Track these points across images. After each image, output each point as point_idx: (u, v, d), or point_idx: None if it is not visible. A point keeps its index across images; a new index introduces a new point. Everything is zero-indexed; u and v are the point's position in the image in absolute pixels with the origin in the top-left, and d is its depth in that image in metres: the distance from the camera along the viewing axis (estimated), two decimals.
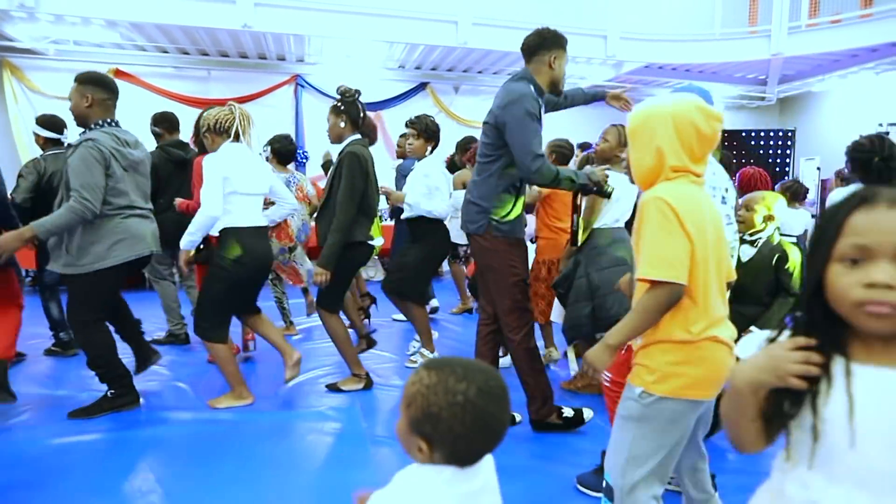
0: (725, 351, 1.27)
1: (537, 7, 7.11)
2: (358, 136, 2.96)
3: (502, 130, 2.28)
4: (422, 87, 8.57)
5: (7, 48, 6.79)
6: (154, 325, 4.12)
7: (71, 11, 5.80)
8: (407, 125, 3.47)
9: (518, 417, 2.61)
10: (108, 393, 2.69)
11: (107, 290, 2.64)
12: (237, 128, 2.78)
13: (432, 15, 6.64)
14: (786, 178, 9.47)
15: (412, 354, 3.57)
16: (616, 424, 1.36)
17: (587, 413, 2.54)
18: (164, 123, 3.92)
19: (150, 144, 3.77)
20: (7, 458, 2.25)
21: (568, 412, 2.53)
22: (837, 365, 0.70)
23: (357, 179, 2.81)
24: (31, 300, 3.25)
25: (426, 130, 3.41)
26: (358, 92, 3.00)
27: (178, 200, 3.52)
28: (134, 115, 4.31)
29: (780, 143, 9.88)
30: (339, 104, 2.94)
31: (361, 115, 2.97)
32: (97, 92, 2.59)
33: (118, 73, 7.42)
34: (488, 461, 0.86)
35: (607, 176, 2.46)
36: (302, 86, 8.10)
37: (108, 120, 2.63)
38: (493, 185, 2.35)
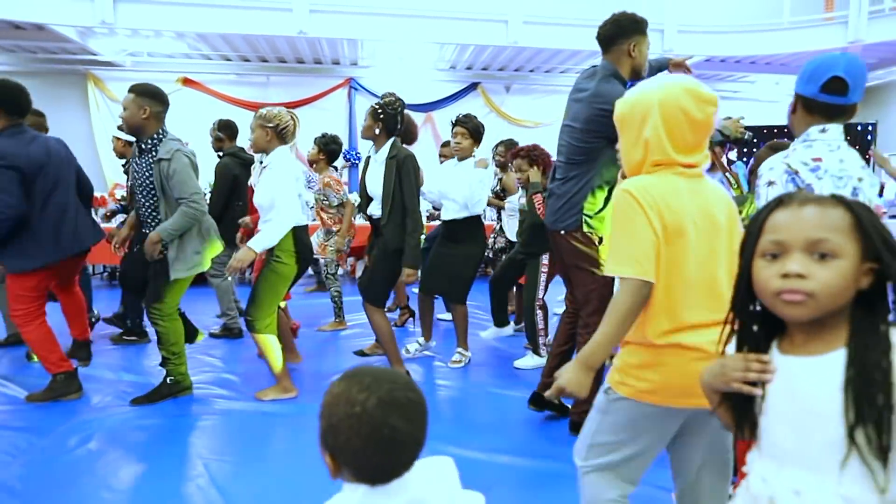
0: (692, 358, 1.14)
1: (589, 2, 6.94)
2: (395, 139, 3.05)
3: (604, 133, 2.20)
4: (473, 87, 8.58)
5: (90, 61, 7.39)
6: (209, 319, 4.37)
7: (145, 25, 6.23)
8: (454, 124, 3.49)
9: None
10: (167, 380, 2.89)
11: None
12: (292, 135, 2.92)
13: (482, 15, 6.63)
14: None
15: (413, 350, 3.63)
16: (591, 410, 1.33)
17: None
18: (227, 130, 4.17)
19: (206, 148, 4.04)
20: (64, 443, 2.46)
21: None
22: (773, 357, 0.79)
23: (416, 178, 3.00)
24: (108, 293, 3.53)
25: (476, 131, 3.46)
26: (402, 104, 3.07)
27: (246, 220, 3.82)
28: (199, 119, 4.58)
29: (858, 136, 9.17)
30: (380, 111, 3.01)
31: (399, 126, 3.05)
32: (154, 105, 2.70)
33: (186, 81, 7.90)
34: (433, 473, 0.78)
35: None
36: (355, 88, 8.31)
37: (162, 130, 2.76)
38: (586, 183, 2.31)
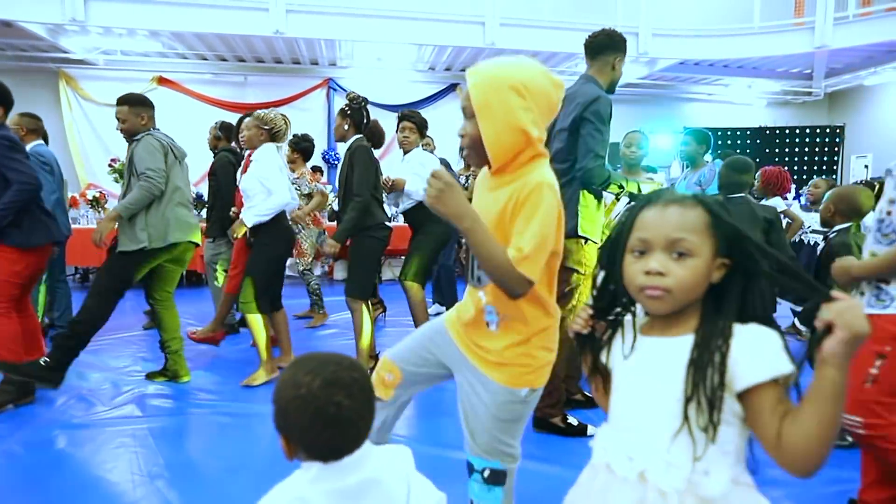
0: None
1: (565, 4, 7.04)
2: (360, 136, 3.19)
3: (578, 128, 2.31)
4: (452, 88, 8.61)
5: (62, 59, 7.25)
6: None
7: (117, 23, 6.14)
8: (400, 119, 3.54)
9: None
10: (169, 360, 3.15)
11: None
12: (282, 138, 3.22)
13: (460, 16, 6.67)
14: (833, 176, 9.01)
15: None
16: (492, 424, 1.26)
17: (591, 429, 2.48)
18: (227, 131, 4.31)
19: (194, 147, 4.09)
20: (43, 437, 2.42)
21: (572, 420, 2.51)
22: (627, 337, 0.88)
23: (368, 166, 3.08)
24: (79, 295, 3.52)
25: (421, 125, 3.53)
26: (365, 100, 3.27)
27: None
28: (176, 119, 4.57)
29: (827, 139, 9.41)
30: (346, 108, 3.18)
31: (366, 120, 3.23)
32: (147, 111, 2.98)
33: (162, 80, 7.81)
34: (388, 457, 0.82)
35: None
36: (334, 89, 8.29)
37: (153, 128, 3.01)
38: (577, 188, 2.38)
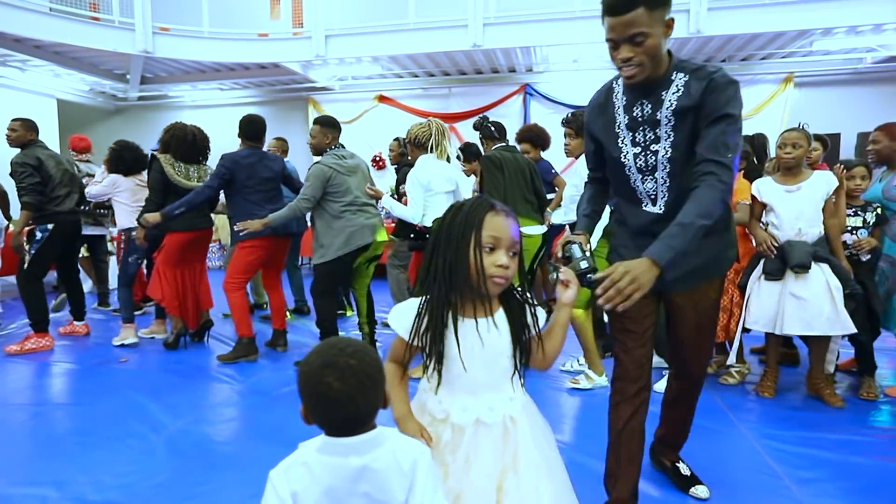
0: None
1: None
2: (501, 144, 3.50)
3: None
4: None
5: (310, 88, 8.91)
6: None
7: (348, 54, 7.33)
8: (563, 124, 3.41)
9: None
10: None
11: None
12: (432, 142, 3.32)
13: None
14: None
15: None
16: None
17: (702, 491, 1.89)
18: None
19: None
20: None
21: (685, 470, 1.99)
22: (450, 320, 1.11)
23: (496, 176, 3.29)
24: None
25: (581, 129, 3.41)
26: (485, 118, 3.63)
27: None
28: (394, 131, 5.29)
29: None
30: (479, 132, 3.60)
31: (496, 132, 3.55)
32: (333, 132, 3.51)
33: (382, 98, 8.99)
34: (398, 449, 0.88)
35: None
36: (531, 94, 8.48)
37: (335, 145, 3.53)
38: None
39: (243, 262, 3.57)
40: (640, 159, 1.57)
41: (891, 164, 2.95)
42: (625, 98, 1.57)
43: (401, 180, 4.53)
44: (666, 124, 1.51)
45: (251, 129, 3.64)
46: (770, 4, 5.92)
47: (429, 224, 3.25)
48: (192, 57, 7.53)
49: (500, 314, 1.14)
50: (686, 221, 1.36)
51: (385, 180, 8.06)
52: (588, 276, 1.37)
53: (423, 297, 1.13)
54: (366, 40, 7.19)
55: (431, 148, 3.29)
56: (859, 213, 2.89)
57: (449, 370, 1.12)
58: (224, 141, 3.80)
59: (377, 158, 8.87)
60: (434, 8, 6.91)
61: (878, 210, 2.87)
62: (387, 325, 4.08)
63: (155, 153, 3.81)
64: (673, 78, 1.49)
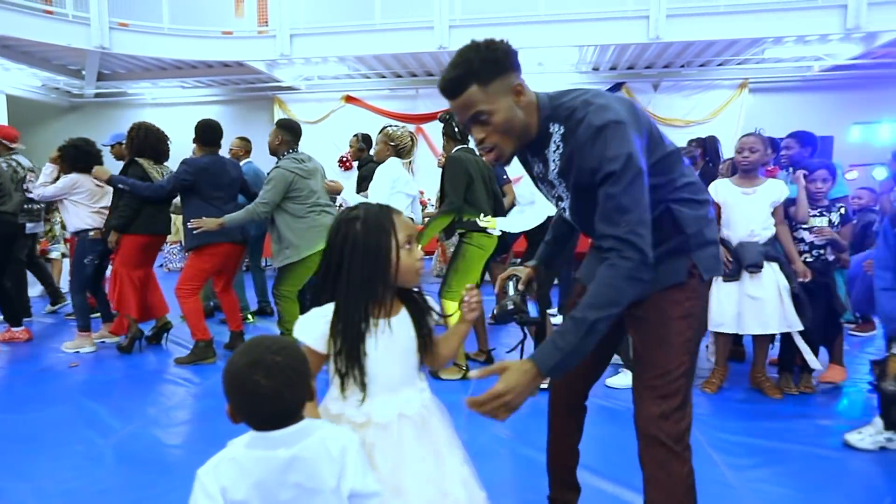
0: None
1: None
2: (462, 146, 3.29)
3: None
4: (617, 87, 8.24)
5: (276, 87, 8.79)
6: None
7: (314, 54, 7.27)
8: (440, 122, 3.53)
9: None
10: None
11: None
12: (408, 153, 3.45)
13: (621, 13, 6.39)
14: None
15: None
16: None
17: None
18: (368, 143, 4.89)
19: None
20: None
21: None
22: (371, 325, 1.13)
23: (460, 176, 3.13)
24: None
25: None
26: (453, 116, 3.33)
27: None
28: (361, 130, 5.27)
29: None
30: (443, 125, 3.35)
31: (458, 134, 3.30)
32: (287, 135, 3.40)
33: (349, 98, 8.94)
34: (326, 438, 0.90)
35: None
36: None
37: (292, 150, 3.44)
38: None
39: (196, 269, 3.52)
40: (561, 208, 1.43)
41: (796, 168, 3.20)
42: (526, 154, 1.39)
43: (363, 177, 4.53)
44: (559, 185, 1.34)
45: (209, 135, 3.57)
46: (725, 13, 6.15)
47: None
48: (151, 54, 7.34)
49: (404, 311, 1.19)
50: (578, 315, 1.15)
51: (352, 182, 8.01)
52: (513, 317, 1.36)
53: (333, 310, 1.12)
54: (332, 40, 7.15)
55: (405, 158, 3.39)
56: (824, 213, 2.99)
57: (369, 373, 1.13)
58: (187, 140, 3.71)
59: (344, 159, 8.82)
60: (400, 9, 6.92)
61: (843, 210, 2.99)
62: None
63: (136, 158, 3.68)
64: (551, 131, 1.28)
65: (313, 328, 1.12)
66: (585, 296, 1.18)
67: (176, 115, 8.98)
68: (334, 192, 3.50)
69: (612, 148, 1.16)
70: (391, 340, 1.15)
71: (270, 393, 0.86)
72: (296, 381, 0.88)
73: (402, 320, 1.18)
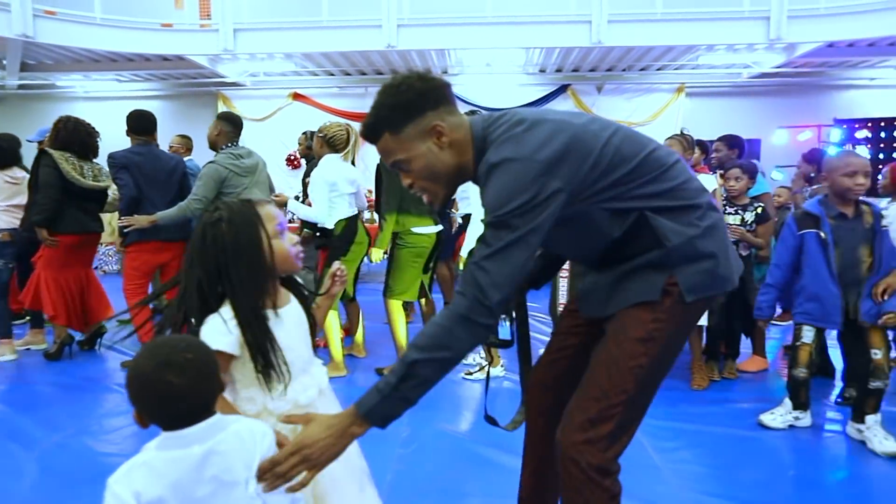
0: None
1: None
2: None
3: None
4: (563, 89, 8.48)
5: (219, 83, 8.52)
6: None
7: (259, 49, 7.10)
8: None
9: None
10: None
11: None
12: (343, 145, 3.31)
13: (565, 17, 6.58)
14: None
15: None
16: None
17: None
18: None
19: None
20: None
21: None
22: (271, 317, 1.16)
23: (395, 176, 3.16)
24: None
25: None
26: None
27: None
28: (309, 129, 5.17)
29: None
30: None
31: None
32: (227, 127, 3.34)
33: (296, 95, 8.78)
34: (239, 431, 0.91)
35: None
36: None
37: (232, 143, 3.35)
38: None
39: (130, 268, 3.40)
40: None
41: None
42: None
43: (309, 174, 4.47)
44: None
45: (141, 122, 3.43)
46: (662, 20, 6.42)
47: (330, 226, 3.23)
48: (81, 44, 6.97)
49: (291, 296, 1.24)
50: (408, 359, 1.04)
51: (300, 180, 7.89)
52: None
53: (229, 313, 1.10)
54: (277, 36, 7.00)
55: (343, 152, 3.28)
56: (739, 211, 3.17)
57: (286, 359, 1.16)
58: (123, 135, 3.55)
59: (292, 157, 8.65)
60: (348, 7, 6.85)
61: (759, 210, 3.18)
62: None
63: (45, 148, 3.47)
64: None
65: (223, 332, 1.09)
66: (417, 334, 1.08)
67: (111, 109, 8.53)
68: (281, 205, 3.44)
69: (497, 190, 1.06)
70: (292, 325, 1.20)
71: (184, 391, 0.86)
72: (208, 375, 0.89)
73: (293, 306, 1.23)
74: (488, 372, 1.54)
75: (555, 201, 1.06)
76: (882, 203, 3.15)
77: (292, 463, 0.96)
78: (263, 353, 1.10)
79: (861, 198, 2.36)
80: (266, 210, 1.17)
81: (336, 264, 1.37)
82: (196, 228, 1.15)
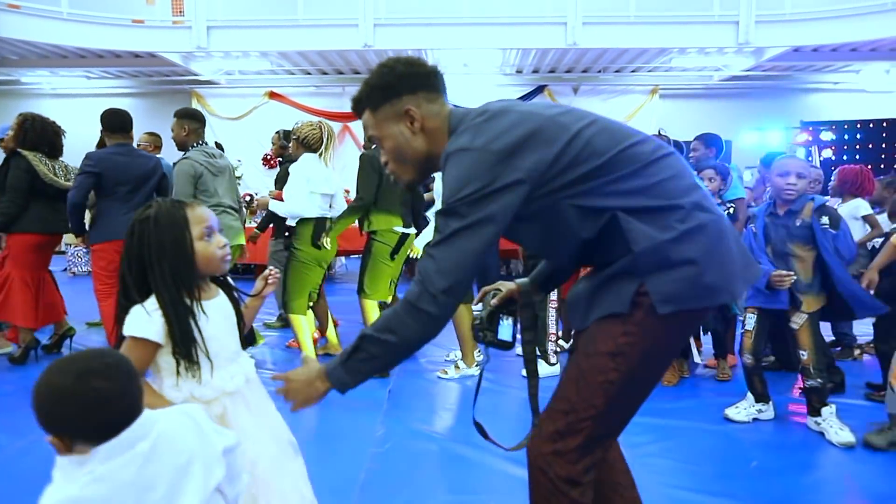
0: None
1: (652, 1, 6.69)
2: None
3: None
4: (539, 90, 8.56)
5: (193, 81, 8.39)
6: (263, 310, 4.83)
7: (233, 47, 7.01)
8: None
9: None
10: None
11: None
12: (322, 147, 3.25)
13: (541, 18, 6.65)
14: None
15: None
16: None
17: None
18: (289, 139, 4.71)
19: None
20: None
21: None
22: (197, 311, 1.19)
23: (371, 175, 3.15)
24: None
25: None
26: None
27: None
28: (286, 128, 5.11)
29: None
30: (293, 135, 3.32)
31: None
32: (192, 124, 3.26)
33: (272, 94, 8.69)
34: (174, 414, 0.90)
35: None
36: None
37: (200, 141, 3.29)
38: None
39: (98, 267, 3.31)
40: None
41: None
42: None
43: (282, 175, 4.42)
44: None
45: (116, 120, 3.34)
46: (635, 23, 6.55)
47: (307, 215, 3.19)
48: (48, 40, 6.80)
49: (220, 292, 1.30)
50: (361, 333, 1.11)
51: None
52: (477, 334, 1.29)
53: (154, 304, 1.16)
54: (252, 34, 6.93)
55: (318, 151, 3.22)
56: None
57: (211, 350, 1.21)
58: (93, 133, 3.47)
59: (268, 157, 8.56)
60: (324, 6, 6.82)
61: (731, 210, 3.24)
62: (269, 327, 3.99)
63: (18, 149, 3.37)
64: None
65: (149, 323, 1.15)
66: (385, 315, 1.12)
67: (80, 106, 8.34)
68: (263, 207, 3.40)
69: (450, 178, 1.06)
70: (219, 318, 1.25)
71: (115, 394, 0.82)
72: (133, 374, 0.86)
73: (221, 300, 1.28)
74: (480, 374, 1.38)
75: (511, 192, 1.04)
76: (832, 203, 3.25)
77: (283, 389, 1.17)
78: (185, 342, 1.16)
79: (822, 199, 2.43)
80: (196, 212, 1.21)
81: (270, 268, 1.43)
82: (129, 225, 1.20)
